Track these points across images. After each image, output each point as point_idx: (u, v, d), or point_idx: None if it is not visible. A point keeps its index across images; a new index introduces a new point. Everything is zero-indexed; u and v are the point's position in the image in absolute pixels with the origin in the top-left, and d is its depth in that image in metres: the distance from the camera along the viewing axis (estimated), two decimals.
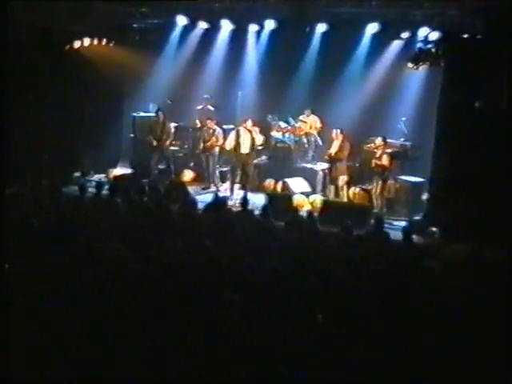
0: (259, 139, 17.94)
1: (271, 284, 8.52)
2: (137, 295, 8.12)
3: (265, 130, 19.18)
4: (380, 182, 16.68)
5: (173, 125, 19.30)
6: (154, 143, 18.58)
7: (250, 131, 17.74)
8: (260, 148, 18.52)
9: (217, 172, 18.77)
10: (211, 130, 18.58)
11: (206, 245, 10.41)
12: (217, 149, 18.67)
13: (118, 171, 18.86)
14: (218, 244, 10.59)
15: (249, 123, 17.81)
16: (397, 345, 7.43)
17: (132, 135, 20.39)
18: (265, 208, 13.24)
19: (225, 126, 18.90)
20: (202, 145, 18.74)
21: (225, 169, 18.87)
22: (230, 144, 17.88)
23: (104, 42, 19.07)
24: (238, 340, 7.10)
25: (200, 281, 8.50)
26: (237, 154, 17.75)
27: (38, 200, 13.13)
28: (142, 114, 20.30)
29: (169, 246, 10.12)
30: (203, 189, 18.18)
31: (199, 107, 20.10)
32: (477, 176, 14.43)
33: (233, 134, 17.86)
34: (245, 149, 17.70)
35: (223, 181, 18.71)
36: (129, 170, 18.72)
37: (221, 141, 18.42)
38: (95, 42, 18.89)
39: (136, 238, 11.04)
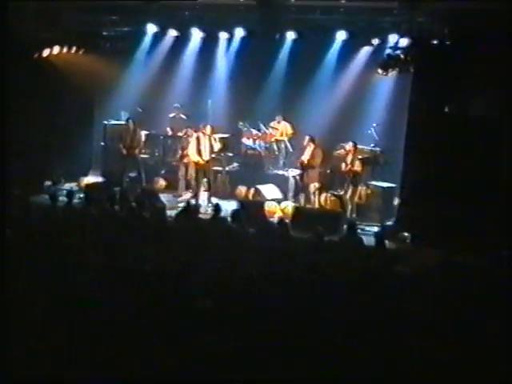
0: (217, 146, 17.97)
1: (244, 290, 8.52)
2: (109, 303, 8.08)
3: (235, 137, 19.44)
4: (351, 187, 16.75)
5: (144, 133, 19.27)
6: (124, 151, 18.51)
7: (209, 137, 17.77)
8: (227, 155, 18.73)
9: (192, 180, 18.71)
10: (190, 138, 18.57)
11: (178, 252, 10.39)
12: None
13: (90, 179, 18.76)
14: (189, 251, 10.57)
15: (208, 129, 17.84)
16: (369, 347, 7.44)
17: (103, 143, 20.31)
18: (235, 214, 13.23)
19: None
20: (180, 153, 18.69)
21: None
22: (192, 151, 17.91)
23: (74, 49, 18.98)
24: (211, 347, 7.09)
25: (172, 288, 8.48)
26: (197, 162, 17.83)
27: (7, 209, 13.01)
28: (113, 122, 20.23)
29: (141, 253, 10.09)
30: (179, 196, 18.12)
31: (171, 115, 20.10)
32: (446, 181, 14.54)
33: (194, 141, 17.90)
34: (205, 155, 17.74)
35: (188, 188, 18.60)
36: (100, 179, 18.63)
37: None
38: (65, 49, 18.78)
39: (108, 246, 10.99)
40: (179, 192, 18.37)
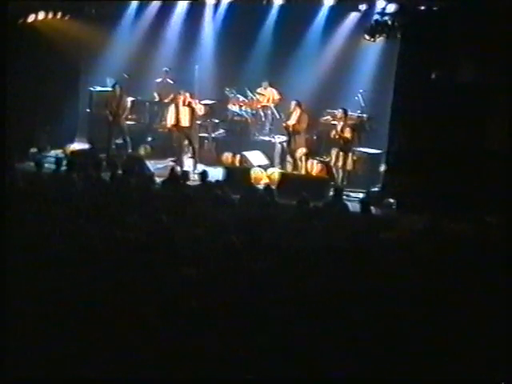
0: (200, 109, 17.87)
1: (228, 258, 8.54)
2: (96, 271, 8.09)
3: (221, 103, 19.38)
4: (341, 154, 16.76)
5: (130, 99, 19.17)
6: (111, 118, 18.39)
7: (190, 104, 17.70)
8: (213, 121, 18.75)
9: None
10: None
11: (164, 220, 10.39)
12: None
13: (75, 146, 18.68)
14: (175, 218, 10.59)
15: (187, 96, 17.77)
16: (356, 317, 7.45)
17: (88, 110, 20.18)
18: (219, 181, 13.28)
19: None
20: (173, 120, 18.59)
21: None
22: (170, 120, 17.88)
23: (59, 15, 18.79)
24: (195, 316, 7.10)
25: (157, 256, 8.50)
26: (178, 129, 17.77)
27: None
28: (99, 88, 20.08)
29: (127, 221, 10.10)
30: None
31: (158, 80, 20.02)
32: (432, 147, 14.57)
33: (172, 110, 17.88)
34: (185, 122, 17.69)
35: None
36: (86, 146, 18.55)
37: None
38: (50, 15, 18.60)
39: (94, 213, 10.99)
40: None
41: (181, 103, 17.72)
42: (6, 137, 11.05)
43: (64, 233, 9.44)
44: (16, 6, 17.34)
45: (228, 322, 7.05)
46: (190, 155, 17.83)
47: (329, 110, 17.70)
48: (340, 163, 16.76)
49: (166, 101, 19.47)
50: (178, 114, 17.71)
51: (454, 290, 8.15)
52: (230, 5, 18.64)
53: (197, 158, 17.65)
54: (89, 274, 7.98)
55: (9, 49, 16.81)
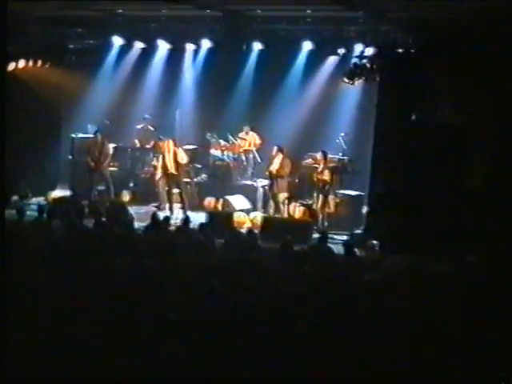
0: (182, 158, 17.89)
1: (213, 303, 8.50)
2: (81, 313, 8.05)
3: (203, 148, 19.52)
4: (321, 197, 16.80)
5: (111, 145, 19.19)
6: (92, 164, 18.41)
7: (175, 152, 17.75)
8: (195, 166, 18.89)
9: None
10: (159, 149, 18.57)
11: (147, 265, 10.34)
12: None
13: (57, 193, 18.63)
14: (158, 264, 10.54)
15: (170, 144, 17.80)
16: (342, 357, 7.45)
17: (70, 157, 20.17)
18: (202, 226, 13.26)
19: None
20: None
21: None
22: (160, 167, 17.94)
23: (39, 63, 18.88)
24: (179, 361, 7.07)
25: (141, 300, 8.46)
26: (167, 176, 17.82)
27: None
28: (81, 135, 20.11)
29: (110, 266, 10.05)
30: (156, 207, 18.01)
31: (139, 127, 20.07)
32: (413, 189, 14.63)
33: (160, 157, 17.97)
34: (171, 169, 17.73)
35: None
36: (68, 192, 18.50)
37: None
38: (30, 63, 18.67)
39: (77, 259, 10.93)
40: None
41: (166, 151, 17.74)
42: None
43: (48, 280, 9.39)
44: None
45: (212, 365, 7.01)
46: (180, 205, 17.80)
47: (310, 153, 17.77)
48: (320, 205, 16.80)
49: (148, 147, 19.54)
50: (164, 160, 17.74)
51: (440, 329, 8.16)
52: (210, 50, 18.75)
53: (186, 206, 17.64)
54: (71, 321, 7.93)
55: None
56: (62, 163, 20.42)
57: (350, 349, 7.60)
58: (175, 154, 17.74)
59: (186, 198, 17.98)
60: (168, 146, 17.78)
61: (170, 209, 17.73)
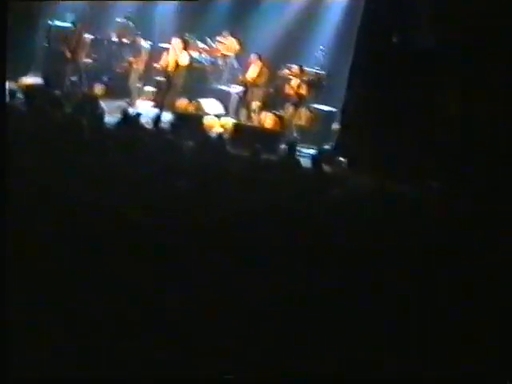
0: (185, 58, 17.72)
1: (177, 204, 8.52)
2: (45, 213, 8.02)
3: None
4: (294, 109, 16.79)
5: (89, 37, 18.88)
6: (69, 54, 18.15)
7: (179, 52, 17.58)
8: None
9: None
10: (137, 46, 18.45)
11: (114, 161, 10.32)
12: (141, 65, 18.56)
13: (29, 80, 18.35)
14: (125, 160, 10.53)
15: (178, 42, 17.63)
16: (303, 275, 7.40)
17: (46, 44, 19.80)
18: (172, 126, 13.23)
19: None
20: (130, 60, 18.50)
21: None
22: (163, 62, 17.77)
23: None
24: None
25: (106, 197, 8.45)
26: (167, 73, 17.70)
27: None
28: (59, 23, 19.71)
29: (77, 160, 10.00)
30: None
31: (118, 20, 19.75)
32: (387, 109, 14.66)
33: (165, 53, 17.81)
34: (172, 68, 17.58)
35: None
36: (40, 80, 18.23)
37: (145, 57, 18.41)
38: None
39: (46, 149, 10.85)
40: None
41: (171, 49, 17.60)
42: None
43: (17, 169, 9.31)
44: None
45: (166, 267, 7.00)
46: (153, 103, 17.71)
47: (288, 65, 17.66)
48: (291, 117, 16.80)
49: (125, 41, 19.25)
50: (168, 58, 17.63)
51: (402, 255, 8.18)
52: None
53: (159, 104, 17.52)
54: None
55: None
56: (37, 50, 20.03)
57: (307, 264, 7.57)
58: (178, 55, 17.53)
59: (160, 97, 17.88)
60: (175, 45, 17.58)
61: (142, 106, 17.59)
